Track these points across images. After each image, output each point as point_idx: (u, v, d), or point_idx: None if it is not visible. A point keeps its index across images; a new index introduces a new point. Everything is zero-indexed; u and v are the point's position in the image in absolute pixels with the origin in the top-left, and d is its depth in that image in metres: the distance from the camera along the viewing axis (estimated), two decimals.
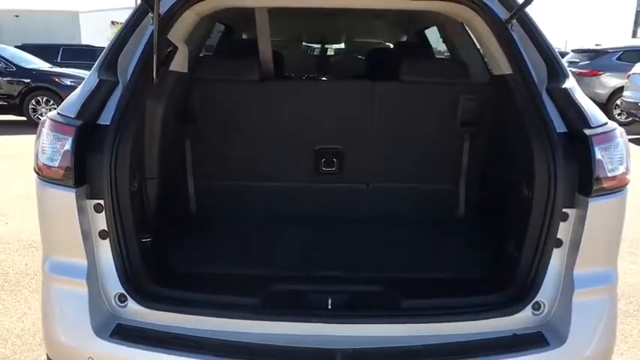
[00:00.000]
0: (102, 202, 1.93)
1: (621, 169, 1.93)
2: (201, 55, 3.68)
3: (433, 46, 5.23)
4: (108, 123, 1.98)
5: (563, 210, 1.94)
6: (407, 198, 3.00)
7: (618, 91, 11.75)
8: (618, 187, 1.93)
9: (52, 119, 1.98)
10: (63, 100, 2.14)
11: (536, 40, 2.18)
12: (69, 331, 1.96)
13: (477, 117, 2.85)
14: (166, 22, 2.22)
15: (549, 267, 1.98)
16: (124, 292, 1.98)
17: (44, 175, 1.94)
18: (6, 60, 11.57)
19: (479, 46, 3.27)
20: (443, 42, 4.35)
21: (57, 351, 2.02)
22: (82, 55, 15.74)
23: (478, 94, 2.85)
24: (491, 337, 1.95)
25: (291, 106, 2.94)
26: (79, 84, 2.15)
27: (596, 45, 13.61)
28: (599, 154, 1.90)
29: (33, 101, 11.38)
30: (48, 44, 17.04)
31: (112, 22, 29.87)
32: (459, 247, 2.56)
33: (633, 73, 10.76)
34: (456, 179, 3.01)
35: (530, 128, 2.06)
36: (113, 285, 1.98)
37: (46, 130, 1.96)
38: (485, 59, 3.22)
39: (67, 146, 1.90)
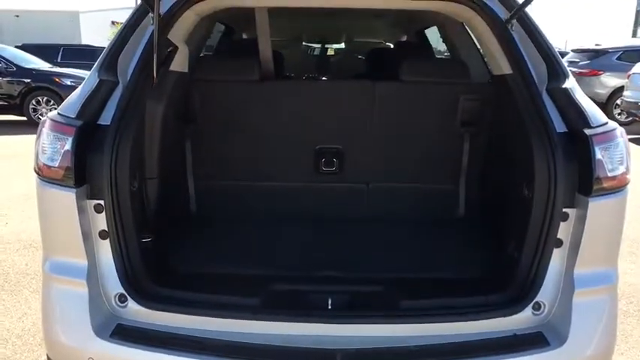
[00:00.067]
0: (102, 202, 1.93)
1: (621, 169, 1.93)
2: (201, 55, 3.68)
3: (433, 46, 5.23)
4: (108, 123, 1.98)
5: (564, 210, 1.94)
6: (407, 198, 3.00)
7: (618, 91, 11.75)
8: (618, 187, 1.93)
9: (52, 119, 1.98)
10: (63, 100, 2.14)
11: (536, 40, 2.18)
12: (69, 331, 1.96)
13: (477, 117, 2.85)
14: (166, 22, 2.22)
15: (549, 267, 1.98)
16: (124, 292, 1.97)
17: (44, 175, 1.94)
18: (6, 60, 11.57)
19: (479, 46, 3.27)
20: (443, 42, 4.35)
21: (57, 351, 2.02)
22: (82, 55, 15.72)
23: (478, 94, 2.84)
24: (491, 337, 1.95)
25: (291, 106, 2.94)
26: (80, 84, 2.15)
27: (596, 45, 13.58)
28: (599, 154, 1.90)
29: (33, 101, 11.39)
30: (48, 44, 17.02)
31: (112, 22, 29.87)
32: (459, 247, 2.56)
33: (633, 73, 10.76)
34: (456, 179, 3.01)
35: (530, 128, 2.06)
36: (113, 285, 1.98)
37: (46, 130, 1.96)
38: (486, 59, 3.22)
39: (68, 146, 1.90)
